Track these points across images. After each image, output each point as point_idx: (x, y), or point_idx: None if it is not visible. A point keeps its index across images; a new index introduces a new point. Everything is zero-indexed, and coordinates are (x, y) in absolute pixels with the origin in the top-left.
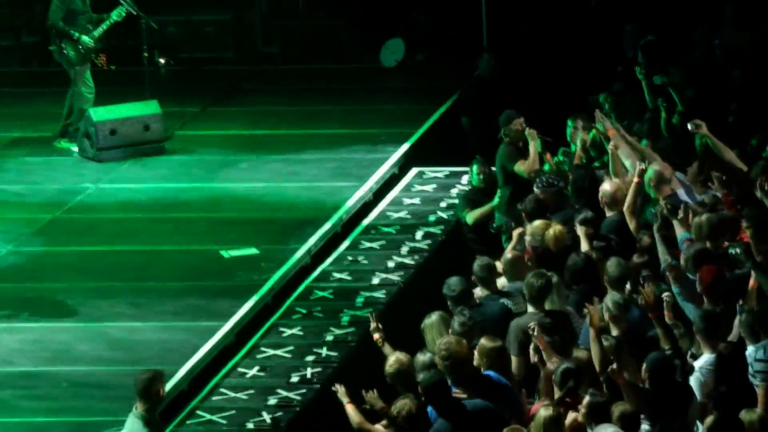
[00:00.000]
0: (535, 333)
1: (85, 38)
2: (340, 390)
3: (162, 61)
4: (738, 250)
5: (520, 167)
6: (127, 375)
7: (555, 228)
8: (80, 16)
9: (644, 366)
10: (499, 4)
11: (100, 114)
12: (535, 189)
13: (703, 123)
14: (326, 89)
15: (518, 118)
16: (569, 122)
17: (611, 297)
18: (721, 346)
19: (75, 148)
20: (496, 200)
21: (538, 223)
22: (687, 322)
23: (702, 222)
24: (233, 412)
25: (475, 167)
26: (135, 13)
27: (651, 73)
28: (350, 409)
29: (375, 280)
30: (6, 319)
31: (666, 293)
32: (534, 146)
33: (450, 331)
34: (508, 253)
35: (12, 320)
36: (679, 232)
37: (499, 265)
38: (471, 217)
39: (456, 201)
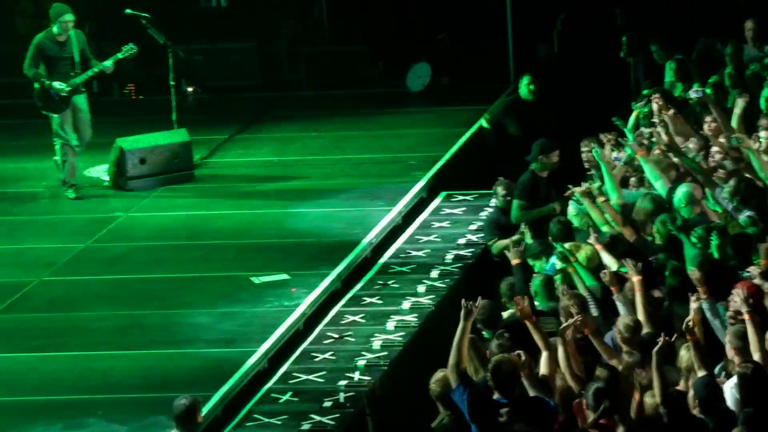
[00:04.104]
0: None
1: (57, 85)
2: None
3: (189, 89)
4: None
5: (500, 244)
6: (162, 402)
7: (586, 249)
8: (60, 62)
9: (692, 393)
10: (524, 27)
11: (129, 143)
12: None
13: (744, 137)
14: (353, 114)
15: (555, 150)
16: (584, 146)
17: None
18: (745, 365)
19: (105, 177)
20: (520, 232)
21: (568, 245)
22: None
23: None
24: None
25: (499, 189)
26: (162, 42)
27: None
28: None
29: (406, 304)
30: (40, 348)
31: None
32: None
33: (488, 353)
34: (538, 277)
35: (46, 350)
36: None
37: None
38: (496, 247)
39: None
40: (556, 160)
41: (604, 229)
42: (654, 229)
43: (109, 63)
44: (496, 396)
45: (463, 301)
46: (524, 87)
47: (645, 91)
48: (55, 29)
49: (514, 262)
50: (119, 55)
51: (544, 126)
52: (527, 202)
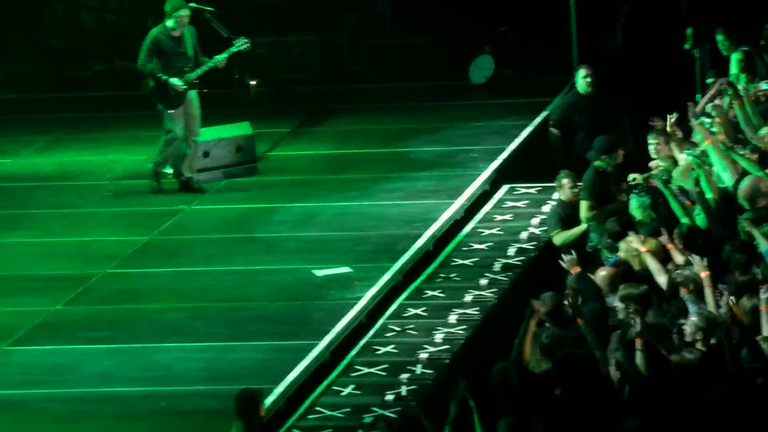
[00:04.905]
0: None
1: (174, 80)
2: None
3: (252, 82)
4: None
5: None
6: (225, 394)
7: (650, 243)
8: (175, 57)
9: None
10: (588, 18)
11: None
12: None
13: None
14: (414, 107)
15: (618, 148)
16: (652, 139)
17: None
18: None
19: (169, 171)
20: (584, 225)
21: (632, 238)
22: None
23: None
24: (330, 430)
25: (563, 181)
26: (226, 36)
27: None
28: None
29: (468, 297)
30: (104, 340)
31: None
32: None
33: (537, 343)
34: (603, 270)
35: (110, 342)
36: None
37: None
38: (559, 239)
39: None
40: (620, 159)
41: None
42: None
43: (222, 57)
44: (558, 390)
45: (532, 300)
46: (580, 79)
47: (708, 80)
48: (170, 24)
49: (574, 270)
50: (233, 49)
51: (605, 119)
52: (594, 202)
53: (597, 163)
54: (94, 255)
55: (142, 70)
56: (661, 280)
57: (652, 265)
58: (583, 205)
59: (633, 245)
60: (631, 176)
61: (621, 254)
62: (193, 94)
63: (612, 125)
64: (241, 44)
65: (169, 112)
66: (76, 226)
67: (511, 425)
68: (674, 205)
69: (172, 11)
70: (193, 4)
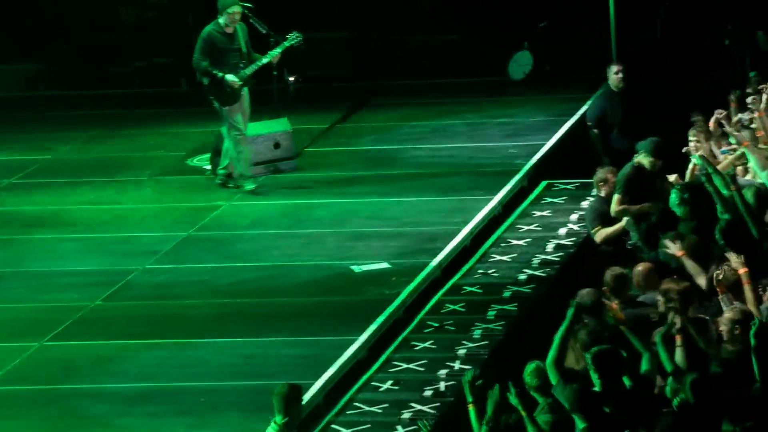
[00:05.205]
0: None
1: (230, 77)
2: (470, 383)
3: (291, 78)
4: None
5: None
6: (263, 390)
7: (689, 239)
8: (229, 54)
9: None
10: (627, 14)
11: None
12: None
13: None
14: (453, 103)
15: (663, 158)
16: (692, 136)
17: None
18: None
19: (207, 166)
20: (623, 221)
21: (668, 243)
22: None
23: None
24: (368, 426)
25: (602, 177)
26: (264, 32)
27: None
28: (471, 409)
29: (506, 293)
30: (143, 335)
31: None
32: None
33: (576, 340)
34: (639, 266)
35: (149, 337)
36: None
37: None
38: (599, 236)
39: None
40: (652, 161)
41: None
42: None
43: (276, 52)
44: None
45: (573, 301)
46: (612, 76)
47: (752, 73)
48: (222, 21)
49: (679, 254)
50: (286, 44)
51: (638, 114)
52: (627, 197)
53: (638, 159)
54: (133, 250)
55: (196, 68)
56: (701, 281)
57: (691, 267)
58: (615, 199)
59: (669, 251)
60: (672, 176)
61: (660, 251)
62: (245, 91)
63: (644, 120)
64: (293, 39)
65: (225, 108)
66: (116, 222)
67: (552, 424)
68: (717, 200)
69: (223, 8)
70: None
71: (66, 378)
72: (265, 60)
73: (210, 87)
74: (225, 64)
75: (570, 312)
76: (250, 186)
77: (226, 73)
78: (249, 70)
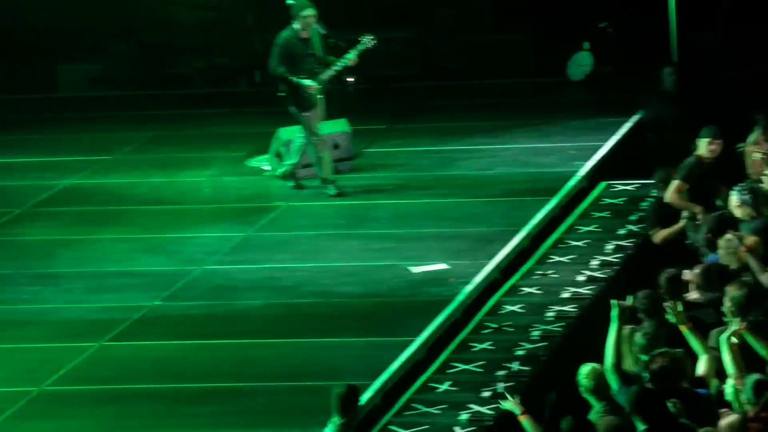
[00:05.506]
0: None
1: (307, 82)
2: (513, 401)
3: (350, 79)
4: None
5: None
6: (322, 390)
7: (748, 240)
8: (306, 59)
9: None
10: (688, 15)
11: (289, 133)
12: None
13: None
14: (512, 104)
15: (718, 139)
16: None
17: None
18: None
19: (267, 167)
20: (682, 222)
21: (730, 236)
22: None
23: None
24: (426, 427)
25: (665, 178)
26: (324, 33)
27: None
28: (524, 420)
29: (565, 294)
30: (202, 336)
31: None
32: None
33: (632, 342)
34: (698, 267)
35: (208, 338)
36: None
37: (689, 277)
38: (658, 236)
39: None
40: (712, 148)
41: None
42: None
43: (352, 55)
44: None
45: (614, 301)
46: (667, 77)
47: None
48: (296, 25)
49: (744, 250)
50: (360, 47)
51: (696, 115)
52: (686, 184)
53: (697, 151)
54: (192, 251)
55: (273, 75)
56: (764, 278)
57: (753, 263)
58: (673, 185)
59: (733, 244)
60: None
61: (720, 251)
62: (321, 97)
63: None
64: (367, 41)
65: (304, 114)
66: (175, 222)
67: (612, 427)
68: None
69: (297, 12)
70: (290, 1)
71: (125, 378)
72: (341, 63)
73: (287, 93)
74: (301, 70)
75: (614, 313)
76: (332, 191)
77: (303, 78)
78: (326, 75)
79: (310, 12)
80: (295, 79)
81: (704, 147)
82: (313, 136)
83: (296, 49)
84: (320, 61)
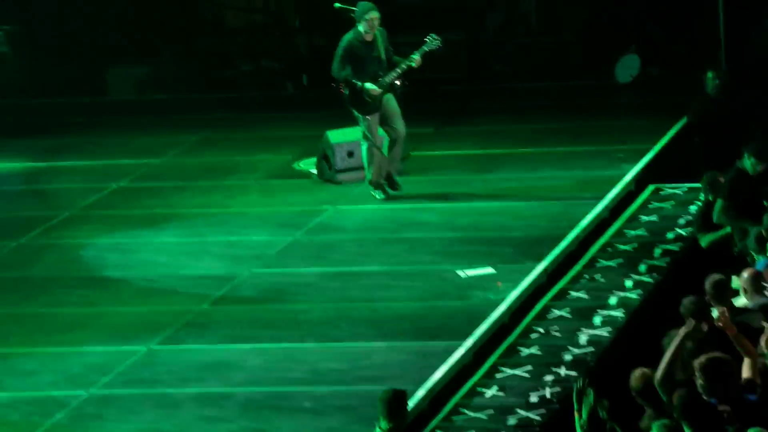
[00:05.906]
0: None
1: (369, 86)
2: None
3: (398, 82)
4: None
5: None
6: (368, 395)
7: None
8: (369, 63)
9: None
10: (737, 16)
11: (337, 136)
12: None
13: None
14: (559, 106)
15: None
16: None
17: None
18: None
19: (313, 170)
20: (729, 228)
21: None
22: None
23: None
24: (473, 431)
25: (710, 182)
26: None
27: None
28: None
29: (613, 299)
30: (250, 339)
31: None
32: None
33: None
34: (746, 271)
35: (256, 341)
36: None
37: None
38: (705, 240)
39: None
40: (763, 168)
41: None
42: None
43: (416, 56)
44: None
45: (690, 320)
46: (710, 82)
47: None
48: (361, 28)
49: None
50: (425, 48)
51: (736, 119)
52: (731, 202)
53: (741, 163)
54: (240, 254)
55: (336, 78)
56: None
57: None
58: (718, 204)
59: None
60: None
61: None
62: (389, 97)
63: (743, 126)
64: (432, 42)
65: (366, 118)
66: (223, 226)
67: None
68: None
69: (361, 14)
70: (338, 5)
71: (174, 382)
72: (405, 65)
73: (350, 96)
74: (365, 73)
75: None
76: (380, 195)
77: (366, 81)
78: (389, 78)
79: (374, 14)
80: (359, 83)
81: (747, 163)
82: (367, 140)
83: (360, 53)
84: (384, 64)
